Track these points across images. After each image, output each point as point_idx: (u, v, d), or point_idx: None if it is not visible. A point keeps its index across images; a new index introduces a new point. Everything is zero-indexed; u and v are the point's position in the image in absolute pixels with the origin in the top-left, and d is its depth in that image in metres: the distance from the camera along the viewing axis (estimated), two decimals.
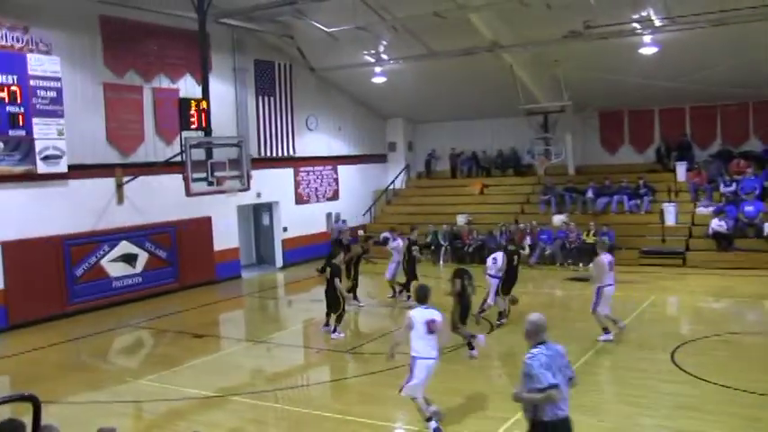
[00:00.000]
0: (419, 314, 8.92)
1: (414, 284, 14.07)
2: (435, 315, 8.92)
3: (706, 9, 16.65)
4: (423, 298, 9.21)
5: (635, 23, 17.86)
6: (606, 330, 13.02)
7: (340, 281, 14.51)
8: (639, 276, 19.29)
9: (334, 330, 14.39)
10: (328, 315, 14.68)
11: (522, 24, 19.34)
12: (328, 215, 25.90)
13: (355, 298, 17.09)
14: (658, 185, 23.29)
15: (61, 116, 16.79)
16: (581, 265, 21.12)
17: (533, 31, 19.51)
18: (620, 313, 15.08)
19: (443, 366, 11.97)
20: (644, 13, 17.32)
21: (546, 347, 6.09)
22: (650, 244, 21.52)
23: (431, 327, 8.81)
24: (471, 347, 12.35)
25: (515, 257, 15.02)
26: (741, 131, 23.49)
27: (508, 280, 14.80)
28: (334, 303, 14.46)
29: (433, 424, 8.83)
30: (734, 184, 21.74)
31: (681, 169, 23.28)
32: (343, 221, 25.41)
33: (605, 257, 13.16)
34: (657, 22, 17.70)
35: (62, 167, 16.90)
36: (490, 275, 14.76)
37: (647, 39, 18.60)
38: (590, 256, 20.99)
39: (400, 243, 17.89)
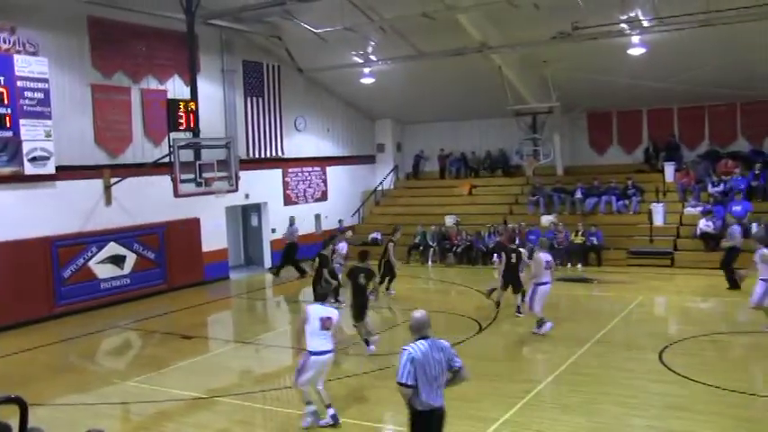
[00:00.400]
0: (315, 310, 9.31)
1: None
2: (332, 313, 9.33)
3: (694, 10, 16.72)
4: (321, 297, 9.73)
5: (623, 24, 17.90)
6: (540, 324, 13.54)
7: (327, 271, 15.00)
8: (627, 277, 19.41)
9: None
10: None
11: (510, 25, 19.36)
12: (317, 216, 25.89)
13: (336, 299, 17.10)
14: (646, 186, 23.39)
15: (49, 117, 16.67)
16: (569, 265, 21.24)
17: (522, 32, 19.53)
18: (608, 313, 15.29)
19: None
20: (632, 14, 17.37)
21: (429, 342, 6.41)
22: (638, 244, 21.62)
23: (325, 323, 9.19)
24: (368, 344, 12.73)
25: (513, 255, 15.46)
26: (729, 132, 23.62)
27: (507, 277, 15.41)
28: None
29: (311, 408, 9.23)
30: (722, 185, 21.86)
31: (669, 170, 23.39)
32: (340, 221, 25.74)
33: (544, 256, 13.75)
34: (645, 23, 17.75)
35: (50, 169, 16.78)
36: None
37: (635, 39, 18.64)
38: (578, 256, 21.33)
39: (344, 247, 19.00)
